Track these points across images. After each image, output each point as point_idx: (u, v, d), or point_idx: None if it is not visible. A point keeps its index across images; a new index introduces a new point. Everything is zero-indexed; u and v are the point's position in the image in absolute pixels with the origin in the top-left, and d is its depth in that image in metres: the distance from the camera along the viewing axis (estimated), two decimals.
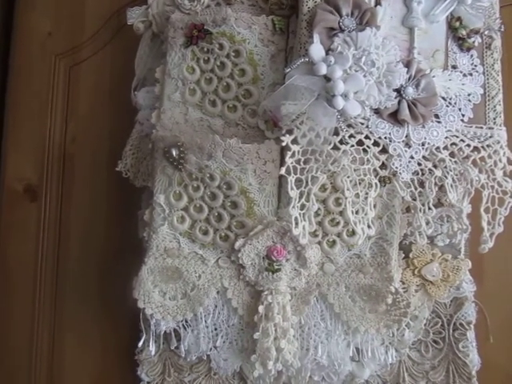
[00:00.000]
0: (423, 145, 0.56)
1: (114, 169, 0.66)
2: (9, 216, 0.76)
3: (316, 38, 0.54)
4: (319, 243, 0.59)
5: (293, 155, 0.55)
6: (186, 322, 0.61)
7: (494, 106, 0.58)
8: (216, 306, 0.61)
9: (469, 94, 0.58)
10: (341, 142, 0.55)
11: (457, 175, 0.56)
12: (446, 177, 0.56)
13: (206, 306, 0.60)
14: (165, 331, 0.62)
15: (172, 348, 0.64)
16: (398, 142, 0.56)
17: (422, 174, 0.56)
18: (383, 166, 0.56)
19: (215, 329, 0.61)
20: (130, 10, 0.66)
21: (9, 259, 0.75)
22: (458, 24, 0.59)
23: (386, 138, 0.55)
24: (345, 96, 0.52)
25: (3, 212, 0.76)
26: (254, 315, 0.58)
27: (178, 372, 0.65)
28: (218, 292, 0.60)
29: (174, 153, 0.57)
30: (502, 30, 0.60)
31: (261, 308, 0.58)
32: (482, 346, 0.64)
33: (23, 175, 0.76)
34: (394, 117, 0.55)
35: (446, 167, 0.56)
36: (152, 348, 0.63)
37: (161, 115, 0.61)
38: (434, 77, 0.56)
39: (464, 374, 0.63)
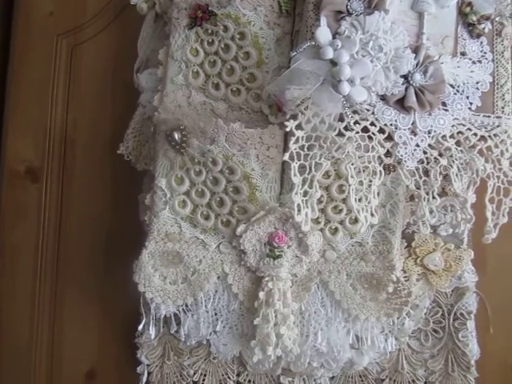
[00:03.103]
0: (429, 133, 0.55)
1: (116, 151, 0.65)
2: (10, 197, 0.75)
3: (323, 21, 0.53)
4: (321, 230, 0.58)
5: (297, 141, 0.54)
6: (186, 306, 0.61)
7: (503, 95, 0.57)
8: (216, 291, 0.60)
9: (477, 82, 0.56)
10: (346, 128, 0.54)
11: (462, 164, 0.56)
12: (451, 166, 0.55)
13: (207, 290, 0.60)
14: (165, 315, 0.62)
15: (172, 332, 0.64)
16: (404, 130, 0.55)
17: (427, 163, 0.55)
18: (388, 153, 0.55)
19: (215, 314, 0.61)
20: None
21: (9, 240, 0.75)
22: (468, 9, 0.57)
23: (391, 125, 0.54)
24: (351, 81, 0.51)
25: (4, 193, 0.75)
26: (255, 301, 0.58)
27: (177, 355, 0.65)
28: (218, 277, 0.60)
29: (176, 136, 0.57)
30: None
31: (261, 294, 0.58)
32: (481, 335, 0.64)
33: (24, 156, 0.75)
34: (401, 104, 0.54)
35: (451, 156, 0.55)
36: (152, 331, 0.63)
37: (163, 98, 0.60)
38: (442, 63, 0.55)
39: (463, 363, 0.63)
